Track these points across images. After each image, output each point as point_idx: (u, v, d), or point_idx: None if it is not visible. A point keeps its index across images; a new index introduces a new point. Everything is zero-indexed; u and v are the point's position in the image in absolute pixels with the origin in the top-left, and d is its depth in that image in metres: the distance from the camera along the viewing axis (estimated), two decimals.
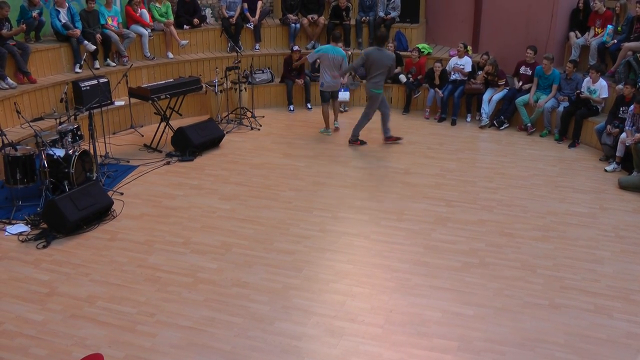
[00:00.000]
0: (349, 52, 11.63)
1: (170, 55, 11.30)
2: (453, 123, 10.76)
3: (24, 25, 9.45)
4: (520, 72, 10.51)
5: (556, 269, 6.12)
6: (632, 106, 8.44)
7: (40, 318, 5.31)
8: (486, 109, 10.52)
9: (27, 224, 6.90)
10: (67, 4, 9.98)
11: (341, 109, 11.38)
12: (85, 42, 9.99)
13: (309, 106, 11.56)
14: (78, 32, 9.93)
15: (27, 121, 7.61)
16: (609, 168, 8.64)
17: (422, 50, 11.66)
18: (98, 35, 10.20)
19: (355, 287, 5.81)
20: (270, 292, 5.72)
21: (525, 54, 10.47)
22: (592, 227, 7.03)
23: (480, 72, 10.75)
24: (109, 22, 10.51)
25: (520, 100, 10.28)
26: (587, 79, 9.63)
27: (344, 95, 11.32)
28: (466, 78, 10.83)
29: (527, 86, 10.37)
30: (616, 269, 6.13)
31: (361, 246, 6.59)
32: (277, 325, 5.24)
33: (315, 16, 12.05)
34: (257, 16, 11.94)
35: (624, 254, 6.43)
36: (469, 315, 5.38)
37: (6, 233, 6.76)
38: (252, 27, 11.92)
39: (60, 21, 9.89)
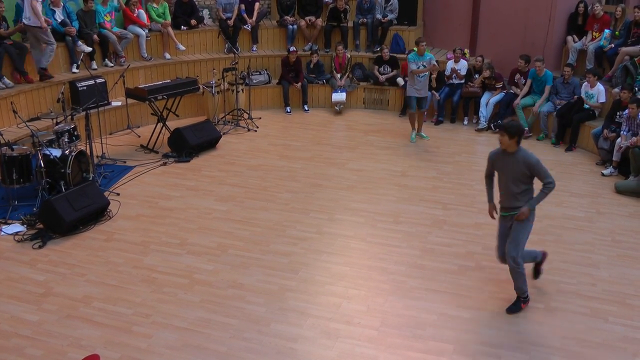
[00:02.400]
0: (348, 55, 11.65)
1: (168, 56, 11.29)
2: (452, 121, 10.84)
3: (22, 23, 9.43)
4: (515, 80, 10.54)
5: (552, 273, 6.12)
6: (627, 110, 8.47)
7: (36, 318, 5.29)
8: (484, 112, 10.55)
9: (23, 224, 6.88)
10: (62, 3, 9.97)
11: (337, 108, 11.39)
12: (79, 42, 9.97)
13: (306, 108, 11.56)
14: (74, 30, 9.91)
15: (23, 121, 7.59)
16: (605, 172, 8.66)
17: None
18: (95, 36, 10.19)
19: (351, 289, 5.81)
20: (266, 293, 5.71)
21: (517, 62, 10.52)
22: (589, 231, 7.04)
23: (477, 76, 10.78)
24: (107, 19, 10.49)
25: (521, 104, 10.27)
26: (585, 83, 9.66)
27: (340, 96, 11.37)
28: (462, 81, 10.87)
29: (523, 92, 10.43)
30: (612, 273, 6.14)
31: (357, 248, 6.59)
32: (273, 326, 5.23)
33: (313, 18, 12.06)
34: (254, 17, 11.94)
35: (620, 259, 6.45)
36: (464, 318, 5.39)
37: (2, 233, 6.74)
38: (249, 28, 11.92)
39: (56, 20, 9.87)
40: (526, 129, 10.23)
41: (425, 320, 5.34)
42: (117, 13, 10.73)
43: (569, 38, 10.96)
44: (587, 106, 9.58)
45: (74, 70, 10.03)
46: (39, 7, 9.00)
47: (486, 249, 6.58)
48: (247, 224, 7.10)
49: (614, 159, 8.64)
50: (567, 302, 5.63)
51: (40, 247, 6.49)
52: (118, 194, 7.77)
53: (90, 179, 7.63)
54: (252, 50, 12.08)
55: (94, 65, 10.24)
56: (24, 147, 7.45)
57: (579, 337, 5.15)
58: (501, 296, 5.70)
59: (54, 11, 9.90)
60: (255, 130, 10.42)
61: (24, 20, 9.19)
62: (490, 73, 10.54)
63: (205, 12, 12.36)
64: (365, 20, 12.09)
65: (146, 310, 5.43)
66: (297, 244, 6.64)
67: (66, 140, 7.67)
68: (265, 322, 5.29)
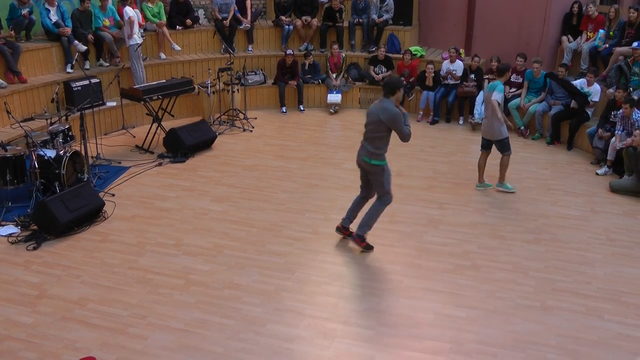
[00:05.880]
0: (343, 55, 11.65)
1: (163, 56, 11.27)
2: (448, 121, 10.86)
3: (12, 32, 9.41)
4: (511, 80, 10.54)
5: (548, 271, 6.14)
6: (621, 110, 8.50)
7: (30, 321, 5.26)
8: (479, 109, 10.56)
9: (17, 226, 6.84)
10: (56, 3, 9.93)
11: (331, 110, 11.39)
12: (76, 42, 9.93)
13: (302, 108, 11.56)
14: (69, 30, 9.88)
15: (17, 121, 7.56)
16: (600, 171, 8.69)
17: (415, 53, 11.69)
18: (90, 36, 10.16)
19: (347, 289, 5.81)
20: (262, 294, 5.70)
21: (515, 60, 10.51)
22: (584, 229, 7.06)
23: (473, 76, 10.79)
24: (106, 24, 10.46)
25: (513, 104, 10.33)
26: (583, 80, 9.67)
27: (335, 98, 11.38)
28: (458, 82, 10.88)
29: (517, 92, 10.43)
30: (607, 272, 6.16)
31: (353, 248, 6.58)
32: (269, 327, 5.22)
33: (309, 18, 12.05)
34: (248, 17, 11.92)
35: (615, 257, 6.47)
36: (461, 317, 5.39)
37: None
38: (245, 27, 11.88)
39: (50, 20, 9.84)
40: (521, 128, 10.26)
41: (421, 320, 5.34)
42: (116, 19, 10.68)
43: (564, 38, 11.00)
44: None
45: (69, 70, 10.00)
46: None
47: (482, 248, 6.59)
48: (243, 224, 7.09)
49: (608, 158, 8.66)
50: (563, 301, 5.65)
51: (34, 248, 6.45)
52: (113, 195, 7.74)
53: (85, 179, 7.61)
54: (248, 51, 12.07)
55: (87, 65, 10.20)
56: (18, 148, 7.42)
57: (575, 335, 5.16)
58: (497, 295, 5.71)
59: (49, 10, 9.86)
60: (251, 131, 10.41)
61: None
62: (497, 66, 10.51)
63: (201, 12, 12.34)
64: (360, 20, 12.10)
65: (142, 312, 5.41)
66: (293, 244, 6.63)
67: (60, 140, 7.64)
68: (262, 322, 5.28)
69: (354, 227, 6.64)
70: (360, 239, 6.47)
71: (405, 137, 6.20)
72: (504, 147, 7.87)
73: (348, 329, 5.22)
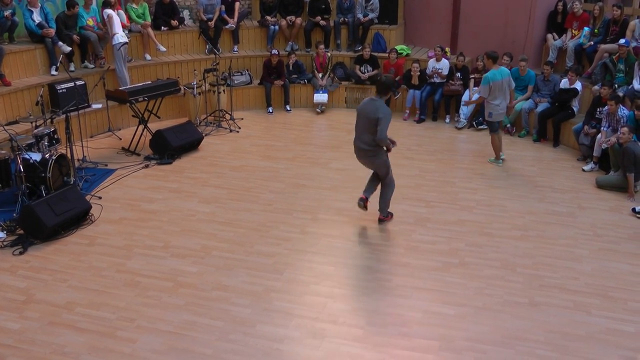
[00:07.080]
0: (329, 54, 11.65)
1: (148, 57, 11.20)
2: (434, 119, 10.90)
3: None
4: None
5: (535, 268, 6.18)
6: (607, 106, 8.57)
7: (17, 326, 5.21)
8: (464, 110, 10.61)
9: (3, 230, 6.77)
10: (39, 4, 9.84)
11: (318, 110, 11.39)
12: (60, 43, 9.85)
13: (288, 108, 11.55)
14: (52, 31, 9.79)
15: (1, 125, 7.49)
16: (586, 168, 8.76)
17: (400, 51, 11.72)
18: (75, 37, 10.08)
19: (336, 289, 5.81)
20: (251, 295, 5.69)
21: (502, 60, 10.54)
22: (571, 226, 7.12)
23: (459, 74, 10.83)
24: (90, 23, 10.38)
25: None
26: (565, 80, 9.74)
27: (322, 97, 11.38)
28: (445, 80, 10.91)
29: None
30: (594, 267, 6.21)
31: (342, 247, 6.59)
32: (259, 328, 5.21)
33: (293, 17, 12.03)
34: (235, 18, 11.89)
35: (602, 252, 6.52)
36: (449, 314, 5.41)
37: None
38: (231, 27, 11.83)
39: (34, 21, 9.75)
40: (508, 125, 10.31)
41: (410, 318, 5.35)
42: (98, 20, 10.59)
43: (549, 36, 11.07)
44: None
45: (53, 72, 9.91)
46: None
47: (469, 245, 6.62)
48: (231, 225, 7.07)
49: (594, 154, 8.73)
50: (551, 297, 5.69)
51: (20, 253, 6.39)
52: (100, 198, 7.69)
53: (72, 182, 7.55)
54: (233, 51, 12.03)
55: (72, 67, 10.12)
56: (3, 152, 7.32)
57: (563, 331, 5.20)
58: (486, 292, 5.74)
59: (32, 12, 9.77)
60: (238, 131, 10.38)
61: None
62: (484, 66, 10.57)
63: (186, 13, 12.29)
64: (346, 19, 12.10)
65: (130, 315, 5.38)
66: (281, 245, 6.62)
67: (46, 143, 7.57)
68: (251, 323, 5.27)
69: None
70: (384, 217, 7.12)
71: (383, 137, 6.50)
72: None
73: (337, 328, 5.22)
